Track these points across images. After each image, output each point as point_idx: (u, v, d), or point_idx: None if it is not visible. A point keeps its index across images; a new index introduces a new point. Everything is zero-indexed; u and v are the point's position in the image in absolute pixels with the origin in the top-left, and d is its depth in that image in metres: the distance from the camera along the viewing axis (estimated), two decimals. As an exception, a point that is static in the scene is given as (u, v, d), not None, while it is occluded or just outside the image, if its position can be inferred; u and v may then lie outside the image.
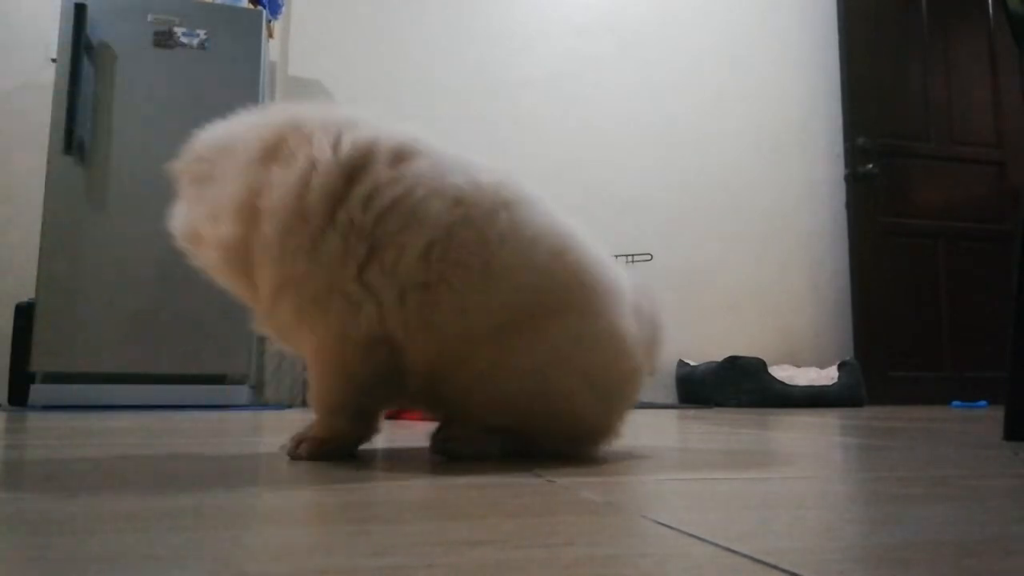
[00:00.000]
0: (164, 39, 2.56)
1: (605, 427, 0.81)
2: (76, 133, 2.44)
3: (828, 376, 3.02)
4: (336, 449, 0.79)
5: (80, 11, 2.43)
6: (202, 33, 2.58)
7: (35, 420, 1.66)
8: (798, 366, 3.27)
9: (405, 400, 0.83)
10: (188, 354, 2.52)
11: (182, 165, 0.80)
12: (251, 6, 2.78)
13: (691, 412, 2.35)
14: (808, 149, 3.62)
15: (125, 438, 1.12)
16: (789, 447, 1.03)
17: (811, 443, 1.11)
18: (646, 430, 1.37)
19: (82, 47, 2.44)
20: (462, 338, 0.73)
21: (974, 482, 0.61)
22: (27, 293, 2.53)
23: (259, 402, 2.93)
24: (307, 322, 0.74)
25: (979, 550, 0.38)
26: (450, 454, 0.79)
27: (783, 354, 3.38)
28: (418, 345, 0.74)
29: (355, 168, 0.73)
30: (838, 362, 3.13)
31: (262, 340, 3.03)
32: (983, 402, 3.04)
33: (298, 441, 0.80)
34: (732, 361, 2.94)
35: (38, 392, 2.39)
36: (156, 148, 2.52)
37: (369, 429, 0.80)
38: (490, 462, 0.76)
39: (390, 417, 1.81)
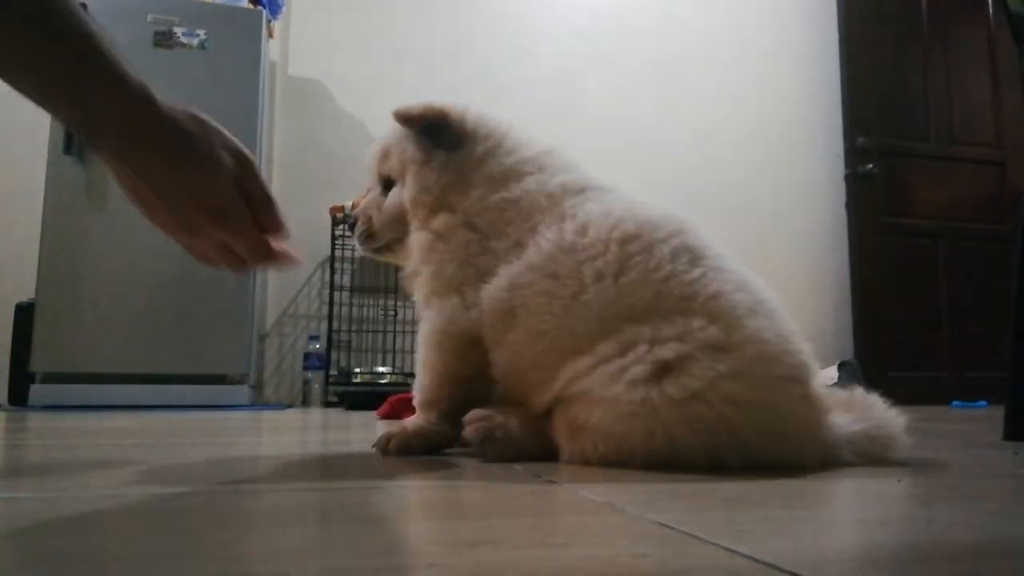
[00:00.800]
0: (164, 39, 2.56)
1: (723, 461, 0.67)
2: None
3: (828, 376, 3.01)
4: (425, 444, 0.82)
5: (80, 11, 2.42)
6: (202, 33, 2.58)
7: (35, 420, 1.66)
8: (798, 366, 3.26)
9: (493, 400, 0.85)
10: (188, 354, 2.52)
11: None
12: (251, 6, 2.78)
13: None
14: (808, 149, 3.62)
15: (125, 438, 1.12)
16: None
17: (811, 443, 1.10)
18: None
19: (82, 47, 2.43)
20: (537, 357, 0.75)
21: (974, 482, 0.61)
22: (27, 293, 2.53)
23: (259, 402, 2.93)
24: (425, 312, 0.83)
25: (979, 550, 0.38)
26: (486, 455, 0.77)
27: (783, 354, 3.37)
28: (494, 354, 0.78)
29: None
30: (838, 362, 3.13)
31: (262, 340, 3.03)
32: (983, 402, 3.03)
33: (388, 438, 0.83)
34: (732, 361, 2.93)
35: (38, 392, 2.39)
36: (156, 148, 2.51)
37: (457, 432, 0.83)
38: (490, 463, 0.76)
39: (390, 417, 1.81)
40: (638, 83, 3.49)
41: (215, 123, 0.67)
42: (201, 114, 0.65)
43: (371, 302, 3.04)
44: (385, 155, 0.91)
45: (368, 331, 3.04)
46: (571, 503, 0.50)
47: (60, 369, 2.43)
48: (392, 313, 3.01)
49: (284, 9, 3.13)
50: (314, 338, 2.98)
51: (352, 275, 3.04)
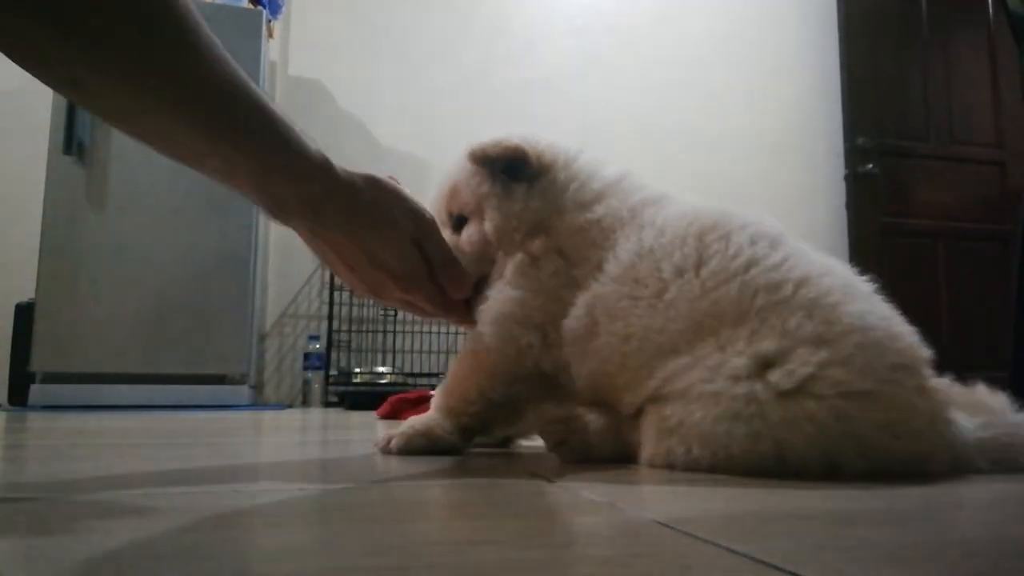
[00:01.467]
0: (164, 39, 2.55)
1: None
2: (76, 133, 2.44)
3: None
4: (429, 446, 0.80)
5: (80, 11, 2.42)
6: (202, 33, 2.58)
7: (35, 420, 1.66)
8: (798, 366, 3.26)
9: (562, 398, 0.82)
10: (188, 354, 2.52)
11: None
12: (251, 6, 2.78)
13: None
14: (808, 149, 3.62)
15: (125, 438, 1.12)
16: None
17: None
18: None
19: (82, 47, 2.43)
20: (625, 359, 0.72)
21: (974, 482, 0.61)
22: (27, 293, 2.53)
23: (259, 402, 2.93)
24: (489, 328, 0.79)
25: (980, 550, 0.38)
26: (563, 453, 0.76)
27: (783, 354, 3.37)
28: (577, 367, 0.76)
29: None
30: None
31: (262, 340, 3.03)
32: (983, 402, 3.03)
33: (390, 437, 0.81)
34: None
35: (38, 392, 2.39)
36: (156, 148, 2.51)
37: (465, 446, 0.82)
38: (490, 463, 0.76)
39: (390, 417, 1.81)
40: (637, 83, 3.49)
41: (393, 184, 0.70)
42: (379, 177, 0.69)
43: (371, 302, 3.04)
44: (454, 192, 0.86)
45: (368, 331, 3.04)
46: (571, 503, 0.50)
47: (60, 369, 2.43)
48: (392, 313, 3.01)
49: (284, 9, 3.13)
50: (314, 338, 2.98)
51: (352, 275, 3.04)
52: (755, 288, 0.67)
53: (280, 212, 0.64)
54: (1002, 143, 3.62)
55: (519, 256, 0.80)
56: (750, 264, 0.69)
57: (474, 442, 0.85)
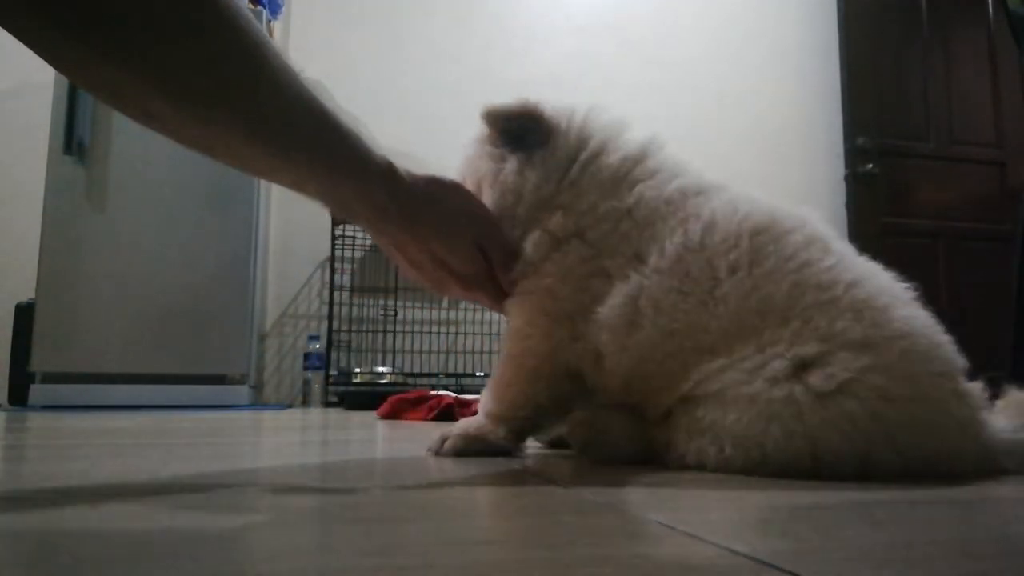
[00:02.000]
0: (164, 39, 2.55)
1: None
2: (76, 133, 2.44)
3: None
4: (482, 448, 0.79)
5: (80, 11, 2.42)
6: (202, 33, 2.58)
7: (35, 420, 1.66)
8: (798, 366, 3.26)
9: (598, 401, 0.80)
10: (188, 354, 2.52)
11: None
12: (251, 6, 2.78)
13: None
14: (808, 149, 3.62)
15: (124, 438, 1.12)
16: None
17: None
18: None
19: (82, 47, 2.43)
20: (664, 358, 0.70)
21: (974, 482, 0.61)
22: (27, 293, 2.53)
23: (259, 402, 2.93)
24: (528, 331, 0.77)
25: (979, 551, 0.38)
26: (589, 454, 0.76)
27: (783, 354, 3.37)
28: (613, 362, 0.73)
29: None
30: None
31: (262, 340, 3.03)
32: (983, 402, 3.03)
33: (443, 439, 0.80)
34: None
35: (38, 392, 2.39)
36: (156, 148, 2.52)
37: (518, 448, 0.81)
38: (491, 463, 0.76)
39: (390, 417, 1.81)
40: (637, 83, 3.49)
41: (456, 184, 0.73)
42: (443, 178, 0.71)
43: (371, 302, 3.04)
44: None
45: (368, 331, 3.04)
46: (571, 503, 0.50)
47: (60, 369, 2.43)
48: (392, 313, 3.01)
49: (284, 9, 3.13)
50: (314, 338, 2.98)
51: (352, 275, 3.05)
52: (806, 287, 0.66)
53: (346, 214, 0.67)
54: (1002, 143, 3.62)
55: (536, 233, 0.76)
56: (804, 266, 0.68)
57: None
